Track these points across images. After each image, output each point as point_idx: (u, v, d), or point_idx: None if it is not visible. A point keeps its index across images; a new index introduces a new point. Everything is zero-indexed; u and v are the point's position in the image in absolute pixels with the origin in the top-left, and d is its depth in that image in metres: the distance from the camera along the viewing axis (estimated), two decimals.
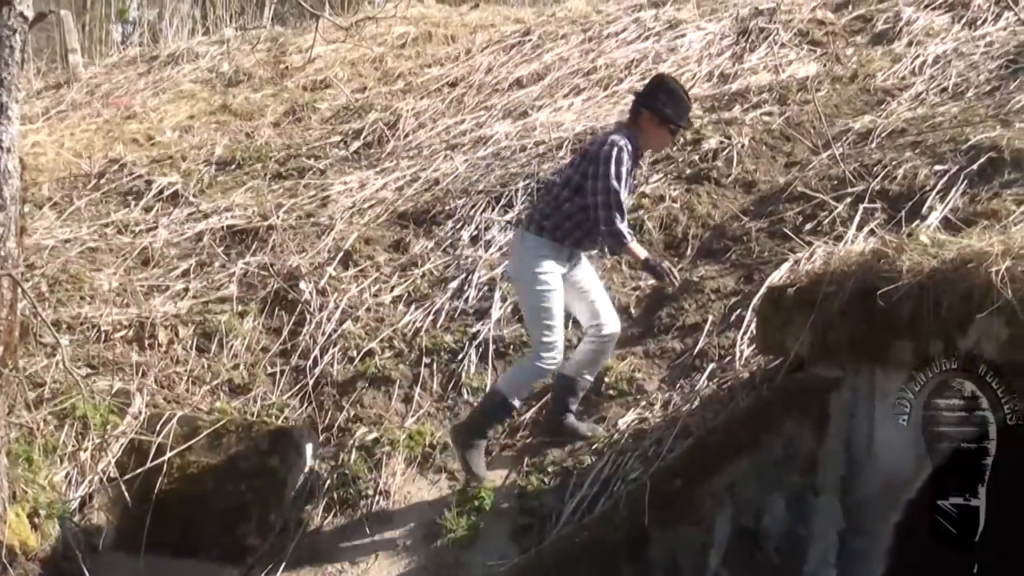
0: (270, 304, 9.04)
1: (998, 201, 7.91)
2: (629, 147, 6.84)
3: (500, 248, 9.31)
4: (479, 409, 7.35)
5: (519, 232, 7.27)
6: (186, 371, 8.53)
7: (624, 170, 6.78)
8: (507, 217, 9.68)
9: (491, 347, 8.28)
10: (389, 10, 16.05)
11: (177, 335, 8.83)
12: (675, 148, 9.98)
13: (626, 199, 6.96)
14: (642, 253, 7.01)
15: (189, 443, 7.69)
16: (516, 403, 7.19)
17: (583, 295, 7.17)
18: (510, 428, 7.72)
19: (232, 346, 8.73)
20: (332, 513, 7.37)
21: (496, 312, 8.53)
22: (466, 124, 11.93)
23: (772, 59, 11.80)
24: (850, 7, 12.74)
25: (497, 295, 8.68)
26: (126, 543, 7.46)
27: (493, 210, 9.79)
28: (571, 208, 6.94)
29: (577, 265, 7.14)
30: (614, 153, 6.78)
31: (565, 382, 7.31)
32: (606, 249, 7.24)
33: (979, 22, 11.57)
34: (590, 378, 7.35)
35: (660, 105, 6.92)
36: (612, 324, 7.22)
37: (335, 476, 7.53)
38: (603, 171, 6.78)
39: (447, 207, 9.97)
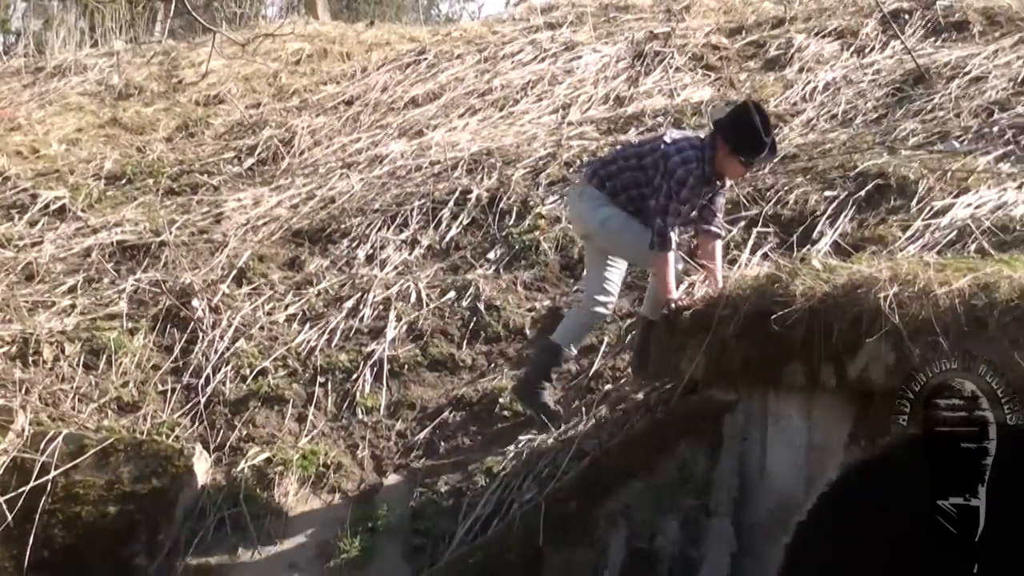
0: (161, 321, 8.91)
1: (884, 227, 8.13)
2: (698, 171, 6.82)
3: (395, 267, 9.29)
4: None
5: (581, 183, 7.36)
6: (72, 388, 8.35)
7: (686, 191, 6.79)
8: (402, 236, 9.67)
9: (386, 366, 8.26)
10: (285, 27, 15.95)
11: (63, 352, 8.64)
12: (571, 170, 10.06)
13: (685, 212, 6.94)
14: (671, 278, 6.88)
15: (75, 462, 7.50)
16: (572, 352, 7.33)
17: (600, 263, 7.24)
18: (404, 448, 7.71)
19: (121, 363, 8.56)
20: (223, 533, 7.26)
21: (391, 332, 8.51)
22: (362, 143, 11.89)
23: (667, 83, 11.95)
24: (743, 33, 12.96)
25: (392, 315, 8.66)
26: (7, 564, 7.26)
27: (388, 229, 9.77)
28: (629, 180, 7.01)
29: None
30: (679, 174, 6.78)
31: (549, 348, 7.38)
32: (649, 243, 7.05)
33: (867, 50, 11.85)
34: (574, 351, 7.45)
35: (731, 135, 6.85)
36: (611, 305, 7.29)
37: (227, 496, 7.42)
38: (667, 187, 6.80)
39: (343, 226, 9.93)
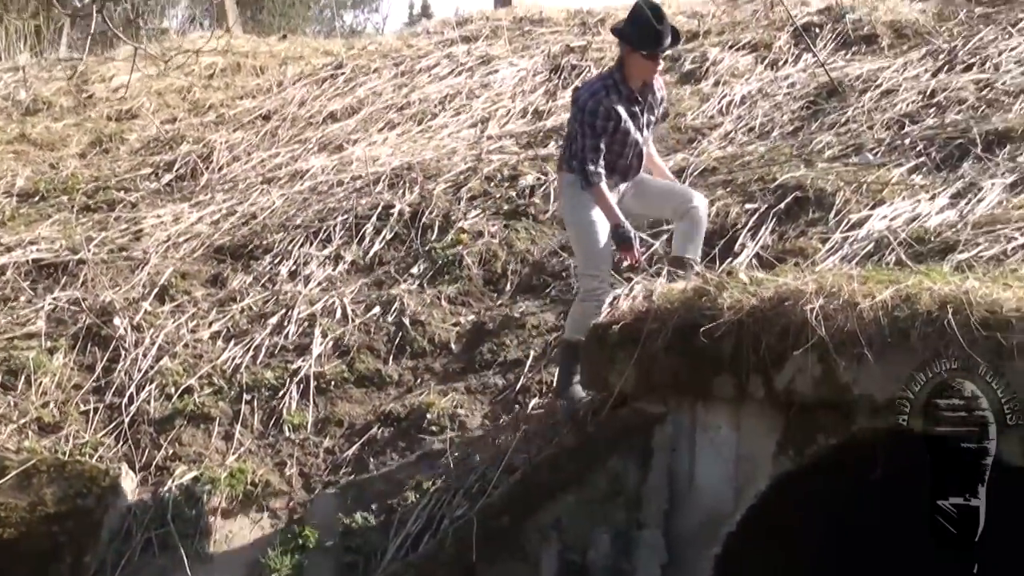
0: (82, 340, 8.78)
1: (804, 239, 8.28)
2: (608, 97, 6.99)
3: (319, 283, 9.26)
4: (560, 365, 7.41)
5: (559, 169, 7.46)
6: None
7: (600, 121, 6.96)
8: (326, 252, 9.64)
9: (312, 383, 8.22)
10: (196, 40, 15.76)
11: None
12: (492, 184, 10.10)
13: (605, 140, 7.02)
14: (612, 203, 7.03)
15: None
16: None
17: (661, 193, 7.33)
18: (333, 465, 7.68)
19: (41, 383, 8.42)
20: (151, 554, 7.19)
21: (317, 348, 8.47)
22: (281, 158, 11.83)
23: None
24: None
25: (317, 331, 8.62)
26: None
27: (311, 245, 9.74)
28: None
29: (631, 185, 7.28)
30: (588, 106, 6.98)
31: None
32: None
33: (781, 63, 12.03)
34: (694, 256, 7.34)
35: (629, 36, 7.02)
36: (699, 198, 7.31)
37: (154, 516, 7.35)
38: (582, 128, 6.99)
39: (265, 242, 9.87)
